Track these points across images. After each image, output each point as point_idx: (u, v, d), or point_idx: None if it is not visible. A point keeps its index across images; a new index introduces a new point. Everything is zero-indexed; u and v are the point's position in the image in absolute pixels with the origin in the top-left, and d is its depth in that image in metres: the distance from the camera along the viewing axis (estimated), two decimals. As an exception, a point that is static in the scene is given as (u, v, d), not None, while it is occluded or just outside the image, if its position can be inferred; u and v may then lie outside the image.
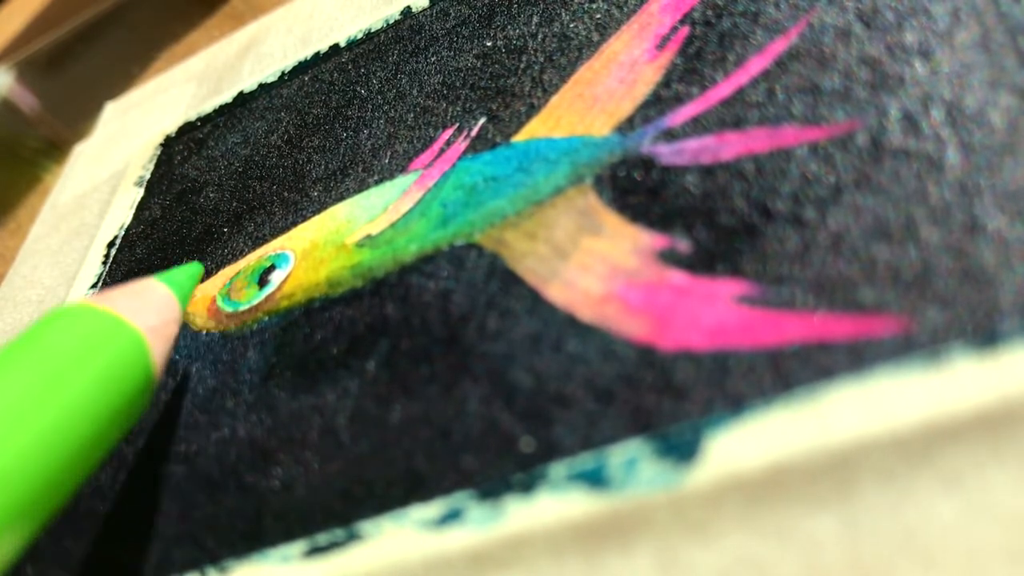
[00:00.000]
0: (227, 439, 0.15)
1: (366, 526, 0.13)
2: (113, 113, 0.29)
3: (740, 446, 0.11)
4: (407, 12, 0.21)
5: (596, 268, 0.13)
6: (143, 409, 0.15)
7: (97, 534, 0.16)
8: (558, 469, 0.12)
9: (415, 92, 0.19)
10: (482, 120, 0.17)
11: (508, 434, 0.12)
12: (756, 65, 0.14)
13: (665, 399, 0.11)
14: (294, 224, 0.18)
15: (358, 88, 0.20)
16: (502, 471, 0.12)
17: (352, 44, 0.22)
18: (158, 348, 0.15)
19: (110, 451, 0.14)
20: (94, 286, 0.21)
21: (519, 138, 0.16)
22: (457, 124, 0.17)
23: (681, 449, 0.11)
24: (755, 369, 0.11)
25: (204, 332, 0.18)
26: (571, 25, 0.17)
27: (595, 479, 0.11)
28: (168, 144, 0.24)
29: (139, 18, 0.37)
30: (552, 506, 0.11)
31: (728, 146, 0.13)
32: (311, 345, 0.16)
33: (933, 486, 0.09)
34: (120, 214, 0.23)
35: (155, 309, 0.15)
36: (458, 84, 0.18)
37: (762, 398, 0.11)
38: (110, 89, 0.31)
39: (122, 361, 0.14)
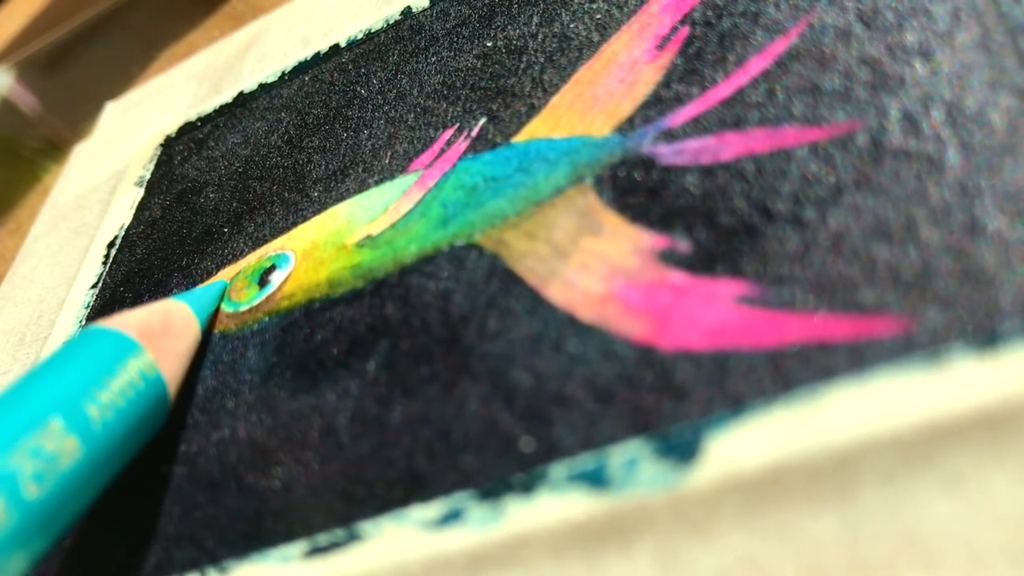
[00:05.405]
0: (227, 439, 0.15)
1: (366, 526, 0.13)
2: (113, 113, 0.29)
3: (740, 446, 0.11)
4: (407, 12, 0.21)
5: (596, 268, 0.13)
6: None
7: (97, 534, 0.16)
8: (558, 469, 0.12)
9: (415, 92, 0.19)
10: (482, 120, 0.17)
11: (508, 434, 0.12)
12: (756, 65, 0.14)
13: (665, 399, 0.11)
14: (294, 224, 0.18)
15: (358, 88, 0.20)
16: (502, 471, 0.12)
17: (352, 44, 0.22)
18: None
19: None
20: (94, 286, 0.21)
21: (519, 138, 0.16)
22: (457, 124, 0.17)
23: (681, 449, 0.11)
24: (755, 369, 0.11)
25: (204, 332, 0.18)
26: (571, 25, 0.17)
27: (595, 479, 0.11)
28: (168, 144, 0.24)
29: (139, 18, 0.37)
30: (552, 506, 0.11)
31: (728, 146, 0.13)
32: (311, 345, 0.16)
33: (933, 486, 0.09)
34: (120, 214, 0.23)
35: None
36: (458, 84, 0.18)
37: (762, 398, 0.11)
38: (110, 89, 0.31)
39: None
